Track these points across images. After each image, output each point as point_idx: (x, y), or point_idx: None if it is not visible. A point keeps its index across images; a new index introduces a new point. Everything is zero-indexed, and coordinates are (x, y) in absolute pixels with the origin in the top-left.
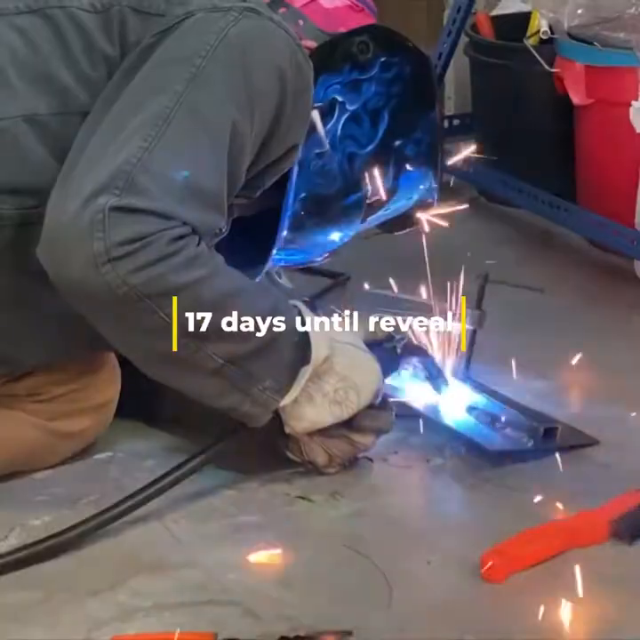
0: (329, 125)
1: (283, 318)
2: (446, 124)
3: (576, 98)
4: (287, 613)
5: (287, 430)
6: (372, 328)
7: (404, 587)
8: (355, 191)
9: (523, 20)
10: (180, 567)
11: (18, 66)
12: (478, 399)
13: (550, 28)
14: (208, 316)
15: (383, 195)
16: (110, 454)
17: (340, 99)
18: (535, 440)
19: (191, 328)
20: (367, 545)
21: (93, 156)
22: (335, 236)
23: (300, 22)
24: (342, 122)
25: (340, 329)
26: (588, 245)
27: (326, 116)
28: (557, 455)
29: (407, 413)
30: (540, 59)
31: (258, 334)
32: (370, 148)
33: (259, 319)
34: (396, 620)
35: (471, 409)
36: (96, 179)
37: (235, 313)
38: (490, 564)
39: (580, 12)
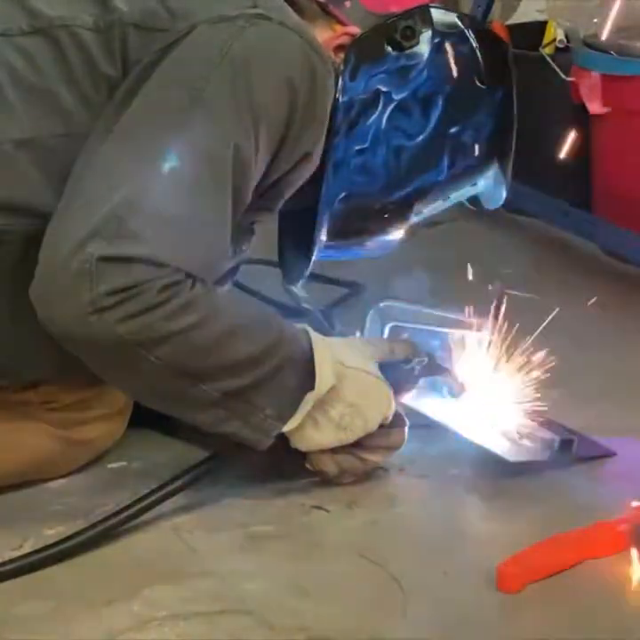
0: (372, 119)
1: (286, 349)
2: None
3: (592, 107)
4: (302, 623)
5: (293, 447)
6: (388, 349)
7: (419, 597)
8: (402, 187)
9: (538, 29)
10: (195, 577)
11: (19, 87)
12: (495, 408)
13: (566, 36)
14: (203, 357)
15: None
16: (125, 464)
17: (384, 89)
18: (552, 451)
19: (185, 369)
20: (383, 555)
21: (87, 194)
22: (385, 235)
23: (347, 3)
24: (388, 113)
25: (352, 352)
26: (604, 254)
27: (369, 108)
28: (574, 466)
29: (424, 424)
30: (556, 68)
31: (257, 368)
32: (420, 138)
33: (258, 354)
34: (411, 631)
35: (486, 418)
36: (87, 223)
37: (232, 351)
38: (506, 574)
39: (596, 20)
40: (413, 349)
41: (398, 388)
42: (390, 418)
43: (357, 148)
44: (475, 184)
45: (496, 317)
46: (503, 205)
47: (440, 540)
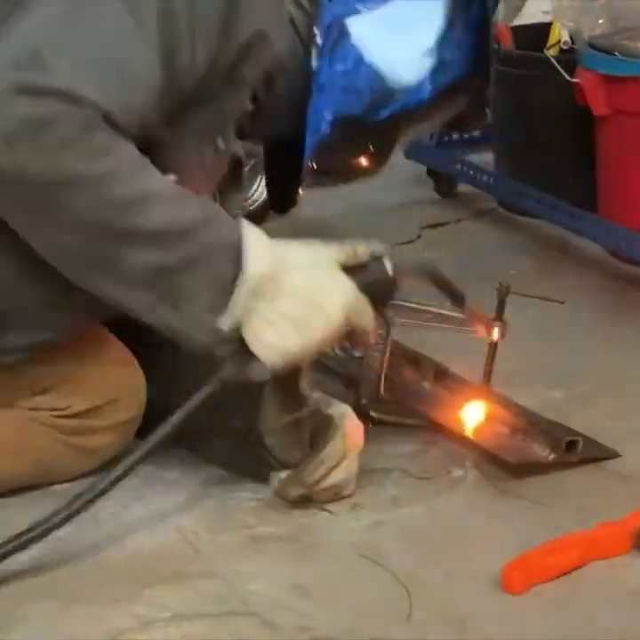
0: (353, 39)
1: (216, 231)
2: (465, 134)
3: (596, 108)
4: (306, 624)
5: (265, 370)
6: (351, 251)
7: (423, 599)
8: (387, 106)
9: (543, 30)
10: (199, 578)
11: None
12: (499, 411)
13: (571, 38)
14: (120, 214)
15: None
16: None
17: (362, 8)
18: (556, 452)
19: (104, 227)
20: (386, 556)
21: (7, 32)
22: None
23: None
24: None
25: (306, 250)
26: (608, 256)
27: (349, 28)
28: (578, 467)
29: (428, 425)
30: (560, 69)
31: (183, 244)
32: None
33: (185, 228)
34: (415, 633)
35: (489, 419)
36: (4, 57)
37: (153, 215)
38: (511, 575)
39: (600, 21)
40: (378, 246)
41: (375, 293)
42: (366, 317)
43: (340, 68)
44: (457, 101)
45: (500, 318)
46: (506, 207)
47: (443, 541)
